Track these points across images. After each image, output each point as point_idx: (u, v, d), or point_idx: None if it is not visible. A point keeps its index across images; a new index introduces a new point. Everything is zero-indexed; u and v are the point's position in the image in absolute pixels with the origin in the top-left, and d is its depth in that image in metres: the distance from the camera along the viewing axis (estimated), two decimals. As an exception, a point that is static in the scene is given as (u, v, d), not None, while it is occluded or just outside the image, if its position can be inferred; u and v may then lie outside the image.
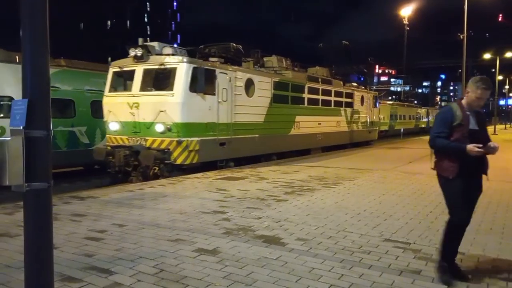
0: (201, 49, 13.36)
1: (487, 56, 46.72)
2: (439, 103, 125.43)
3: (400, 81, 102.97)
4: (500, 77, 57.20)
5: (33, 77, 2.49)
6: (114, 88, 12.54)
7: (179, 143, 10.91)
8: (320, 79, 18.44)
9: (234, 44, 13.90)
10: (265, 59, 16.21)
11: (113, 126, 12.07)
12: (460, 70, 37.61)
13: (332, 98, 19.34)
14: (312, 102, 17.54)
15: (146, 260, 4.37)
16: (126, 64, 12.13)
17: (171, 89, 11.06)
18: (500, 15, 62.59)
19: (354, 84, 23.40)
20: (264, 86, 14.30)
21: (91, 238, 5.18)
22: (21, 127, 2.44)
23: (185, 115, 11.07)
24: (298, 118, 16.43)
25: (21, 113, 2.44)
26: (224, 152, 12.49)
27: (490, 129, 37.50)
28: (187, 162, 11.18)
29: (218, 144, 12.11)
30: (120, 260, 4.37)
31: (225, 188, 8.89)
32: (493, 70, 51.67)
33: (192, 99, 11.16)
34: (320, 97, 18.20)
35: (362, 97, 22.93)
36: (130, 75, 11.87)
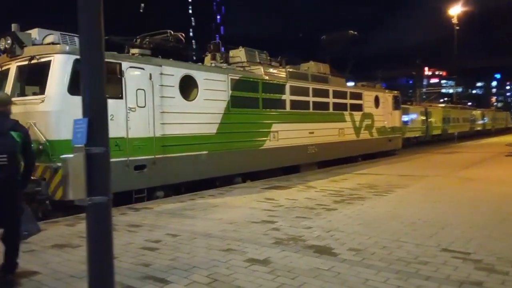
0: (131, 42, 10.27)
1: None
2: (494, 104, 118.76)
3: (451, 83, 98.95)
4: None
5: (92, 98, 2.66)
6: None
7: (55, 170, 7.58)
8: (309, 76, 14.58)
9: (172, 32, 10.89)
10: (231, 52, 13.12)
11: None
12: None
13: (330, 100, 15.46)
14: (299, 105, 13.81)
15: (200, 269, 4.46)
16: (3, 62, 9.00)
17: (43, 92, 8.06)
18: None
19: (365, 83, 19.43)
20: (214, 85, 10.84)
21: (147, 248, 5.37)
22: (83, 145, 2.60)
23: (63, 129, 7.62)
24: (276, 127, 12.73)
25: (82, 131, 2.61)
26: (143, 179, 9.01)
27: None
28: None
29: (132, 167, 8.78)
30: (175, 269, 4.49)
31: (273, 198, 8.90)
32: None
33: (74, 106, 7.16)
34: (311, 98, 14.39)
35: (377, 98, 18.63)
36: (5, 75, 8.79)
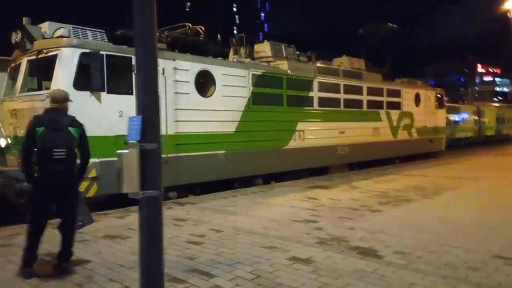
0: None
1: None
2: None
3: (506, 81, 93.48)
4: None
5: (145, 97, 2.79)
6: (8, 90, 9.07)
7: None
8: (341, 72, 13.63)
9: (190, 25, 10.27)
10: (255, 47, 12.40)
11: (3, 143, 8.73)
12: None
13: (364, 97, 14.41)
14: (328, 103, 12.94)
15: (243, 265, 4.54)
16: (16, 56, 8.85)
17: (49, 87, 7.84)
18: None
19: (405, 79, 17.91)
20: (234, 81, 10.28)
21: (192, 242, 5.53)
22: (136, 141, 2.73)
23: None
24: (301, 126, 11.94)
25: (136, 128, 2.74)
26: None
27: None
28: None
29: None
30: (219, 264, 4.60)
31: (315, 197, 8.85)
32: None
33: (82, 102, 7.42)
34: (343, 95, 13.48)
35: (417, 96, 17.35)
36: (17, 70, 8.67)
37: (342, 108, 13.48)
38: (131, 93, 7.80)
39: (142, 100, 2.75)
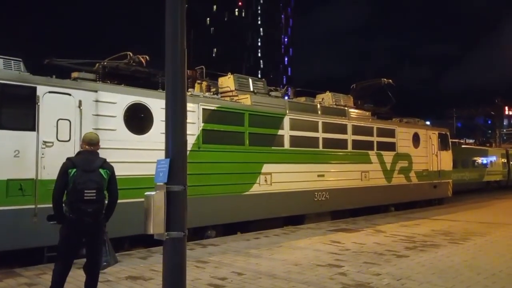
0: (83, 67, 8.70)
1: None
2: None
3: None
4: None
5: (174, 140, 2.92)
6: None
7: None
8: (319, 108, 12.23)
9: (131, 54, 9.09)
10: (220, 80, 11.22)
11: None
12: None
13: (349, 137, 12.82)
14: (303, 142, 11.46)
15: (265, 310, 4.47)
16: None
17: None
18: None
19: (403, 119, 16.37)
20: None
21: (213, 284, 5.49)
22: (164, 183, 2.84)
23: None
24: (268, 168, 10.42)
25: (164, 170, 2.85)
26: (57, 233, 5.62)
27: None
28: None
29: (41, 218, 6.50)
30: (240, 308, 4.54)
31: (339, 241, 8.69)
32: None
33: None
34: (322, 134, 11.94)
35: (416, 136, 15.60)
36: None
37: (321, 148, 11.91)
38: (33, 129, 6.99)
39: (170, 142, 2.88)
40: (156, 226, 2.78)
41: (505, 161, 31.71)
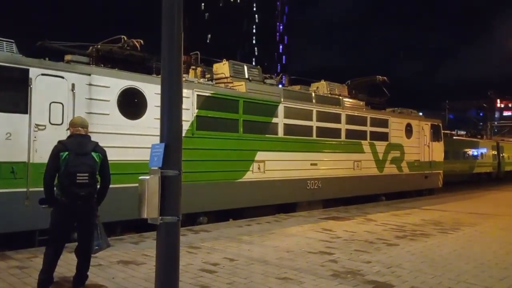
0: (77, 50, 8.54)
1: None
2: None
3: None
4: None
5: (169, 125, 2.89)
6: None
7: None
8: (314, 97, 12.22)
9: (125, 37, 8.93)
10: (214, 66, 11.07)
11: None
12: None
13: (343, 126, 12.81)
14: (297, 131, 11.42)
15: (256, 296, 4.50)
16: None
17: None
18: None
19: (397, 109, 16.37)
20: None
21: (205, 270, 5.52)
22: (158, 167, 2.82)
23: None
24: (261, 156, 10.41)
25: (159, 155, 2.83)
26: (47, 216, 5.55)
27: None
28: None
29: (33, 202, 6.27)
30: (232, 294, 4.57)
31: (330, 229, 8.76)
32: None
33: None
34: (315, 123, 11.92)
35: (409, 126, 15.59)
36: None
37: (314, 137, 11.88)
38: (25, 112, 6.94)
39: (165, 127, 2.86)
40: (151, 210, 2.77)
41: (496, 153, 32.00)
